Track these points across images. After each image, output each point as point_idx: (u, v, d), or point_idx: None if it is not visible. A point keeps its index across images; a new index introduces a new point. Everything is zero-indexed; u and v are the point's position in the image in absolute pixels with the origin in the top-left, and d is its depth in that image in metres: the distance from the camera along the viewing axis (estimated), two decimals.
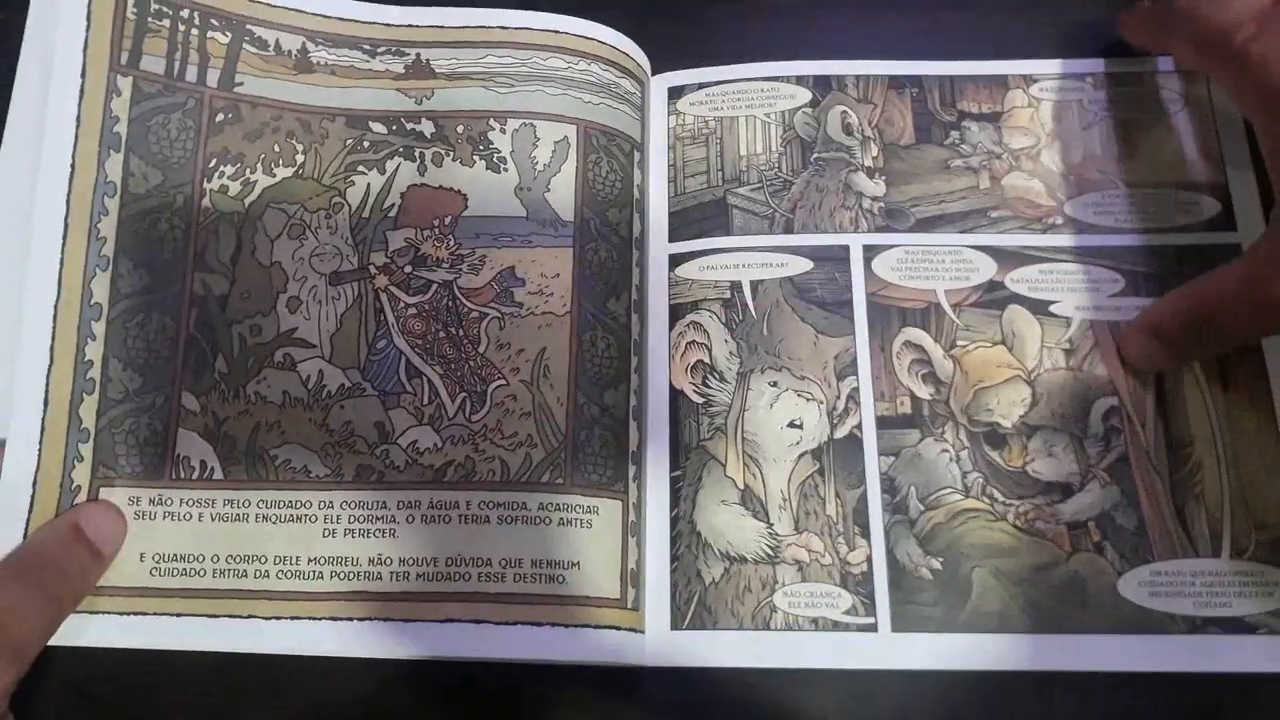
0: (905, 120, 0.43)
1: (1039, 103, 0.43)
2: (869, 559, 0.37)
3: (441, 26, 0.42)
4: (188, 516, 0.37)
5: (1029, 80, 0.43)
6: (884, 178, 0.42)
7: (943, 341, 0.40)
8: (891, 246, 0.41)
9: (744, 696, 0.36)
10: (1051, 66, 0.44)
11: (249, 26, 0.40)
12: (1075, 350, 0.39)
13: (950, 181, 0.42)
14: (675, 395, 0.40)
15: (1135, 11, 0.41)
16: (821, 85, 0.44)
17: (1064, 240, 0.41)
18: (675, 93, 0.44)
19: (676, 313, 0.41)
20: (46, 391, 0.36)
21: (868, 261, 0.41)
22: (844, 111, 0.43)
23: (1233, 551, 0.36)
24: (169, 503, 0.37)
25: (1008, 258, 0.41)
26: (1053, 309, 0.40)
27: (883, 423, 0.39)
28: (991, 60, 0.44)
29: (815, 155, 0.43)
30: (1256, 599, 0.36)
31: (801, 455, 0.39)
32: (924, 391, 0.39)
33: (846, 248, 0.41)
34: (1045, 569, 0.37)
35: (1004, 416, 0.39)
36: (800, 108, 0.43)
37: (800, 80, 0.44)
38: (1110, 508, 0.37)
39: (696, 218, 0.42)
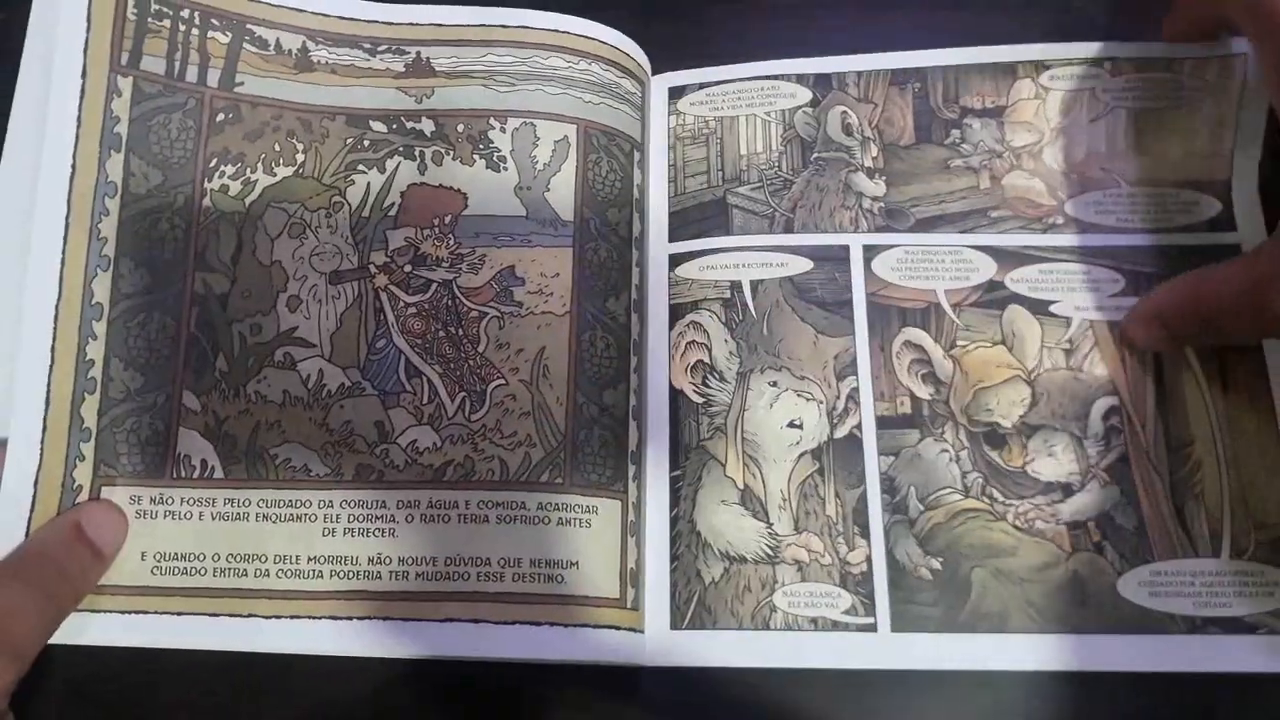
0: (906, 119, 0.43)
1: (1047, 93, 0.42)
2: (869, 559, 0.37)
3: (442, 25, 0.42)
4: (188, 515, 0.37)
5: (1039, 67, 0.42)
6: (884, 178, 0.42)
7: (943, 341, 0.40)
8: (891, 246, 0.41)
9: (744, 696, 0.37)
10: (1067, 50, 0.42)
11: (249, 26, 0.40)
12: (1075, 350, 0.39)
13: (950, 181, 0.42)
14: (675, 395, 0.40)
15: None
16: (822, 84, 0.44)
17: (1064, 240, 0.41)
18: (676, 93, 0.44)
19: (676, 312, 0.41)
20: (48, 391, 0.36)
21: (868, 261, 0.41)
22: (844, 112, 0.43)
23: (1233, 551, 0.36)
24: (170, 502, 0.37)
25: (1008, 258, 0.40)
26: (1053, 309, 0.40)
27: (882, 423, 0.39)
28: (1000, 45, 0.43)
29: (815, 155, 0.43)
30: (1256, 599, 0.36)
31: (801, 455, 0.39)
32: (924, 391, 0.39)
33: (846, 248, 0.41)
34: (1045, 569, 0.37)
35: (1004, 416, 0.39)
36: (800, 107, 0.43)
37: (800, 79, 0.44)
38: (1110, 508, 0.37)
39: (696, 217, 0.42)
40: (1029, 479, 0.38)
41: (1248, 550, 0.36)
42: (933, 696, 0.36)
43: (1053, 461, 0.38)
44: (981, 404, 0.39)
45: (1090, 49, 0.42)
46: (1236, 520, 0.37)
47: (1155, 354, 0.39)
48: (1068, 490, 0.38)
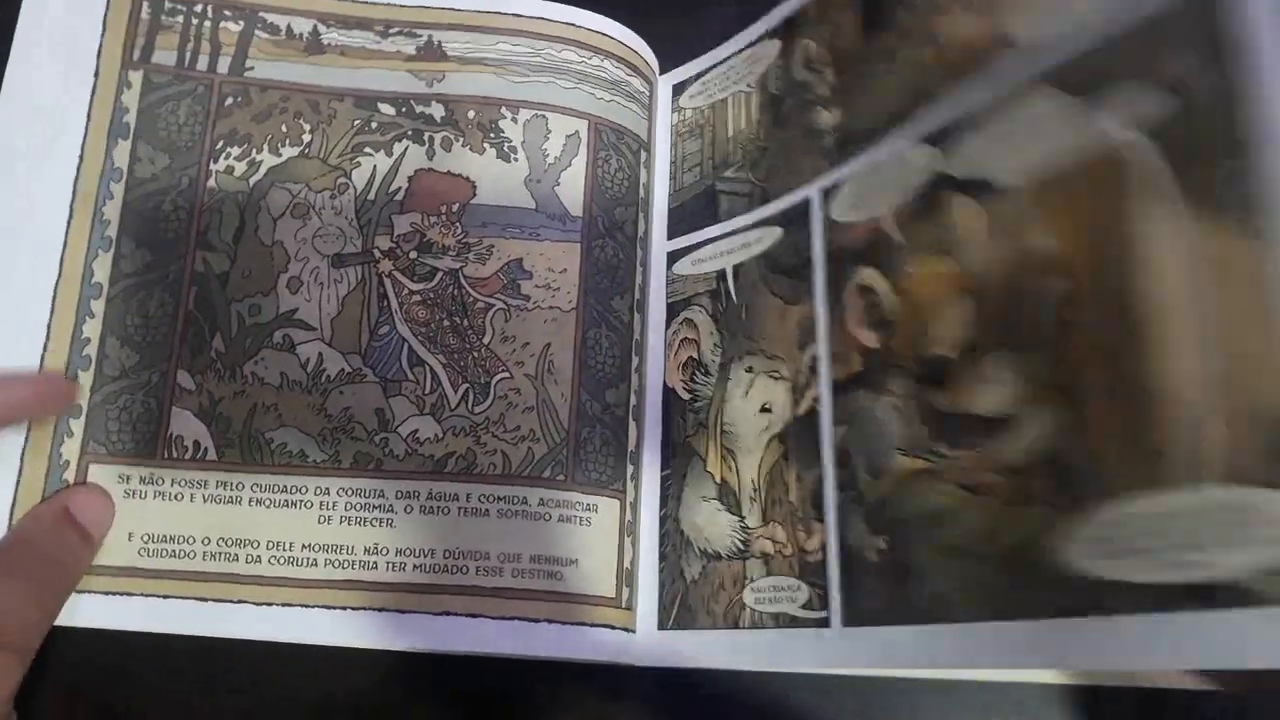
0: (856, 18, 0.36)
1: None
2: (823, 545, 0.32)
3: (455, 10, 0.41)
4: (179, 497, 0.36)
5: None
6: (840, 106, 0.36)
7: (893, 274, 0.32)
8: (844, 181, 0.35)
9: (724, 696, 0.36)
10: None
11: (261, 14, 0.40)
12: (1024, 225, 0.28)
13: (899, 73, 0.34)
14: (668, 394, 0.40)
15: None
16: (790, 28, 0.40)
17: (1006, 76, 0.29)
18: (678, 89, 0.44)
19: (672, 311, 0.41)
20: (40, 367, 0.36)
21: (828, 209, 0.35)
22: (806, 44, 0.38)
23: (1226, 473, 0.22)
24: (160, 482, 0.36)
25: (947, 137, 0.31)
26: (996, 183, 0.29)
27: (837, 388, 0.33)
28: None
29: (784, 108, 0.39)
30: (1259, 546, 0.21)
31: (770, 440, 0.36)
32: (873, 340, 0.32)
33: (808, 200, 0.36)
34: (987, 535, 0.27)
35: (950, 345, 0.29)
36: (773, 63, 0.40)
37: (772, 32, 0.40)
38: (1057, 436, 0.26)
39: (690, 212, 0.42)
40: (972, 420, 0.28)
41: (1243, 469, 0.22)
42: (896, 705, 0.34)
43: (993, 390, 0.28)
44: (930, 335, 0.30)
45: None
46: (1228, 419, 0.22)
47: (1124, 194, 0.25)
48: (1009, 425, 0.27)
